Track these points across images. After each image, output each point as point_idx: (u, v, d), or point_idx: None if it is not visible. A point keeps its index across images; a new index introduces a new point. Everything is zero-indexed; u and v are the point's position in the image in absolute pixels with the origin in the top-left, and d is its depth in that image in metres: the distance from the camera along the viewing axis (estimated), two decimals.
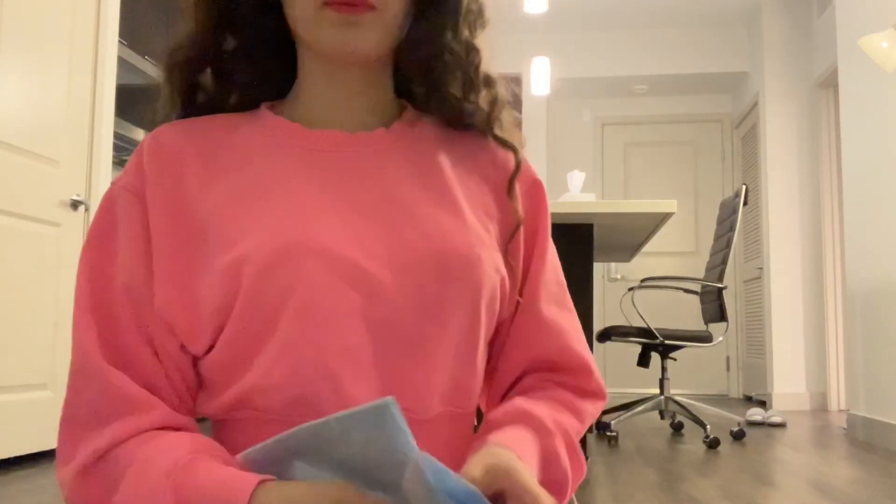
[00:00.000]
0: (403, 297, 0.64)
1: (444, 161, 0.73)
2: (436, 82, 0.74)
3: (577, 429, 0.71)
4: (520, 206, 0.74)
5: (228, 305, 0.61)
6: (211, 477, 0.55)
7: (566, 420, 0.70)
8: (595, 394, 0.75)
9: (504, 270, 0.70)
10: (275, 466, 0.53)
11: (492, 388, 0.76)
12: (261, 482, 0.53)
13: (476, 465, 0.57)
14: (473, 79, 0.73)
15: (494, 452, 0.59)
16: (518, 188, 0.74)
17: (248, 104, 0.75)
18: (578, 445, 0.71)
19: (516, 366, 0.74)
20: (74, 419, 0.62)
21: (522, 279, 0.74)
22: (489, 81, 0.74)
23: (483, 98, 0.74)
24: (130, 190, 0.67)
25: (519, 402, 0.70)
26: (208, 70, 0.74)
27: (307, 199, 0.66)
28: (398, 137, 0.73)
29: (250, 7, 0.72)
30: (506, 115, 0.76)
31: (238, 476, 0.54)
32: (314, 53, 0.71)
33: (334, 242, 0.63)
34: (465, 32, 0.73)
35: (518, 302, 0.74)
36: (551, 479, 0.67)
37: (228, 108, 0.75)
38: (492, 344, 0.74)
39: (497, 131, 0.75)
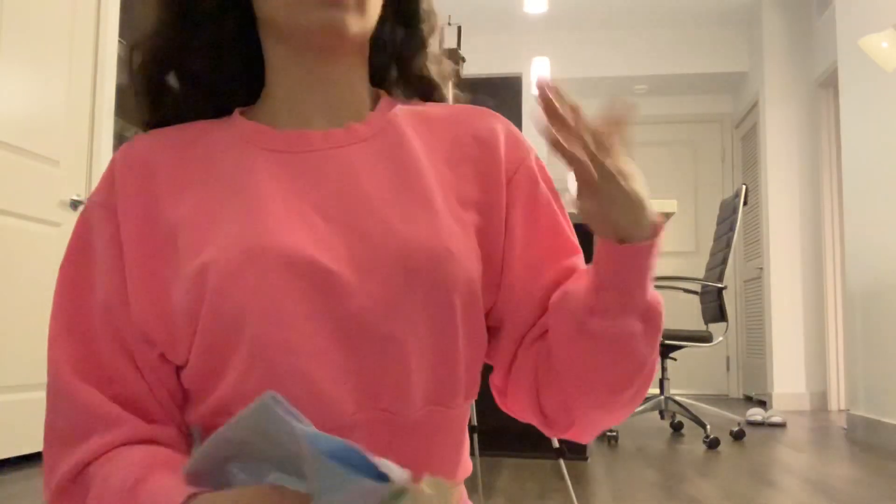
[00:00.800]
0: (367, 296, 0.63)
1: (420, 149, 0.72)
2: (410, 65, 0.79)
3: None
4: (504, 190, 0.73)
5: (196, 312, 0.62)
6: (151, 494, 0.57)
7: None
8: None
9: (479, 265, 0.69)
10: (215, 473, 0.54)
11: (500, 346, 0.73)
12: (189, 497, 0.54)
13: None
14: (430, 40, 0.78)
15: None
16: (504, 169, 0.73)
17: (220, 109, 0.75)
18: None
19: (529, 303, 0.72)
20: (52, 440, 0.64)
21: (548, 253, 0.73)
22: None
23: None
24: (103, 205, 0.68)
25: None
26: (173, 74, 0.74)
27: (272, 202, 0.66)
28: (371, 131, 0.72)
29: (210, 5, 0.71)
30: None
31: (171, 492, 0.55)
32: (291, 47, 0.70)
33: (297, 245, 0.63)
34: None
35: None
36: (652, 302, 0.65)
37: (200, 113, 0.75)
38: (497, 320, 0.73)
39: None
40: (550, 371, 0.69)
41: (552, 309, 0.69)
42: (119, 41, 3.38)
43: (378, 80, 0.79)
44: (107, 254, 0.66)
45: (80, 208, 3.09)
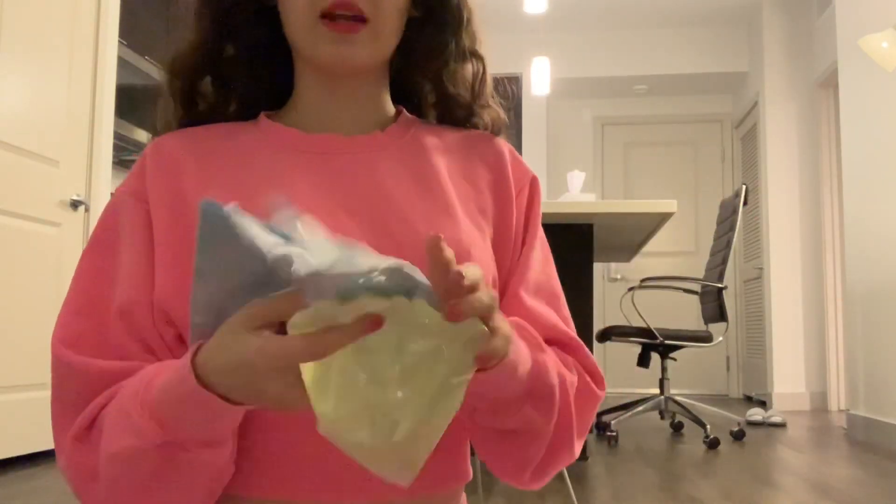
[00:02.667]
0: None
1: (439, 162, 0.75)
2: (444, 86, 0.79)
3: (572, 380, 0.68)
4: (514, 205, 0.76)
5: None
6: (166, 373, 0.57)
7: (563, 370, 0.67)
8: (593, 374, 0.71)
9: (495, 270, 0.71)
10: (219, 316, 0.55)
11: None
12: (197, 349, 0.55)
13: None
14: (481, 86, 0.79)
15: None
16: (513, 185, 0.76)
17: (247, 113, 0.78)
18: (571, 399, 0.67)
19: None
20: (60, 411, 0.64)
21: (509, 271, 0.75)
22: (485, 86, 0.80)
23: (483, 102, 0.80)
24: (134, 195, 0.70)
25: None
26: (208, 78, 0.76)
27: (300, 199, 0.68)
28: (393, 139, 0.75)
29: (246, 16, 0.75)
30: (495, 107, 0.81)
31: (181, 360, 0.56)
32: (310, 64, 0.74)
33: None
34: (466, 40, 0.78)
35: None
36: (536, 389, 0.64)
37: (228, 117, 0.78)
38: None
39: (486, 117, 0.80)
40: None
41: None
42: (119, 41, 3.38)
43: (411, 100, 0.81)
44: (135, 243, 0.67)
45: (81, 208, 3.09)
